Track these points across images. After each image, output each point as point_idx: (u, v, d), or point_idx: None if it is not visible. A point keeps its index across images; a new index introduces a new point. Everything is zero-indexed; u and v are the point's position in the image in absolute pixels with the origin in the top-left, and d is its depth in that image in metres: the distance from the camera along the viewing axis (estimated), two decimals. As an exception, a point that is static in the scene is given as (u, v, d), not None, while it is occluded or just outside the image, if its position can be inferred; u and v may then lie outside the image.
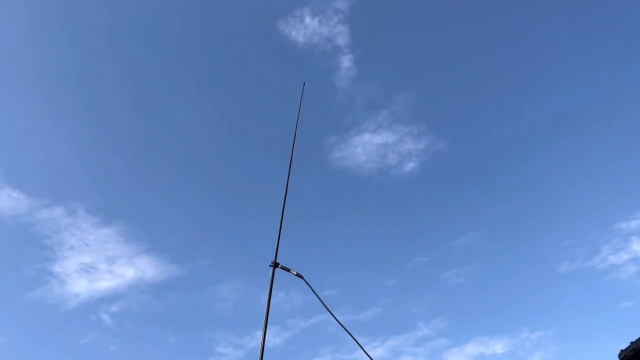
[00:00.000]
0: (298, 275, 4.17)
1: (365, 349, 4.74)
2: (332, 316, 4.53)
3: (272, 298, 3.97)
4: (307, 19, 35.89)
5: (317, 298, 4.41)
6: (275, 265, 4.05)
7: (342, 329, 4.71)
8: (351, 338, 4.72)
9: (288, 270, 4.13)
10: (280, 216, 4.36)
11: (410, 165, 44.46)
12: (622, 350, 8.34)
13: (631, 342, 8.14)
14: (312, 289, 4.15)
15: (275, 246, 4.18)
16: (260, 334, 3.83)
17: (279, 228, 4.26)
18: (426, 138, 44.03)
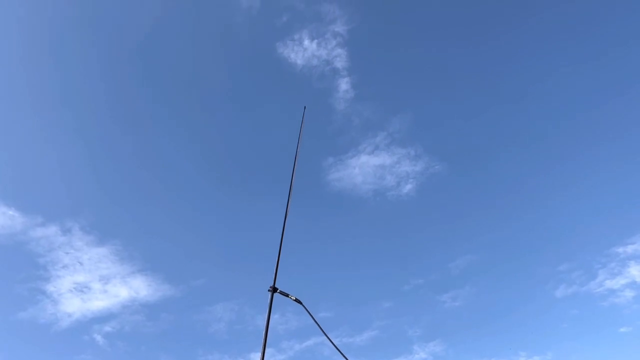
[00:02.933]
0: (297, 300, 4.18)
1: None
2: (329, 340, 4.53)
3: (265, 320, 3.97)
4: (306, 42, 36.39)
5: (316, 323, 4.42)
6: (274, 290, 4.06)
7: (338, 352, 4.71)
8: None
9: (287, 295, 4.14)
10: (280, 241, 4.39)
11: (407, 187, 44.64)
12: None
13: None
14: (310, 315, 4.17)
15: (274, 270, 4.20)
16: (255, 356, 3.83)
17: (278, 253, 4.28)
18: (423, 160, 44.35)
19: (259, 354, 3.88)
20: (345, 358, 4.78)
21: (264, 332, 3.79)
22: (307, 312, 4.22)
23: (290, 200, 4.96)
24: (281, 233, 4.44)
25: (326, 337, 4.51)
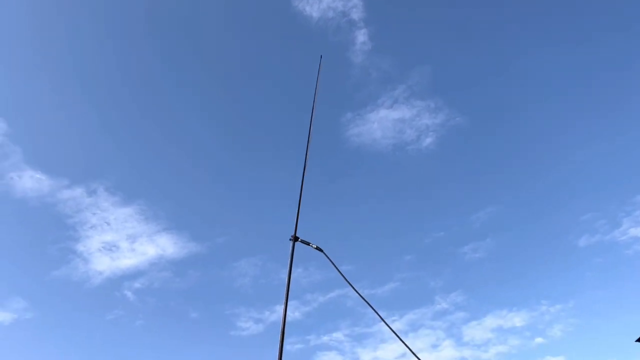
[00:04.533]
0: (318, 248, 4.22)
1: (385, 320, 4.80)
2: (352, 288, 4.59)
3: (290, 273, 4.02)
4: (321, -7, 35.39)
5: (337, 271, 4.46)
6: (295, 239, 4.10)
7: (361, 302, 4.77)
8: (370, 311, 4.78)
9: (308, 243, 4.18)
10: (300, 190, 4.38)
11: (427, 141, 44.10)
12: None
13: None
14: (332, 262, 4.20)
15: (295, 220, 4.22)
16: (279, 309, 3.90)
17: (298, 202, 4.29)
18: (443, 112, 43.55)
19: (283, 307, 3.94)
20: (370, 305, 4.85)
21: (286, 279, 3.85)
22: (329, 261, 4.28)
23: (308, 150, 4.93)
24: (300, 183, 4.44)
25: (350, 286, 4.58)
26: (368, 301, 4.72)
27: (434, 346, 67.90)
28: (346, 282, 4.68)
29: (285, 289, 3.74)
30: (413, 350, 4.95)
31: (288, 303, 3.82)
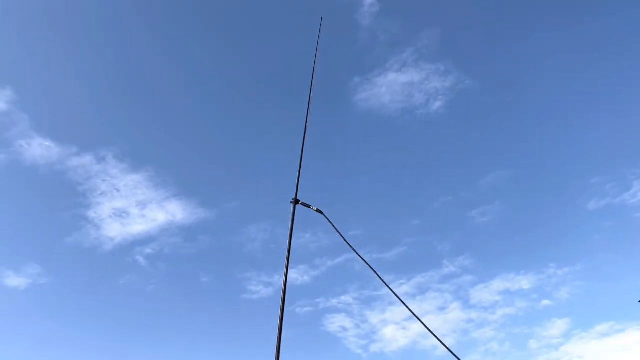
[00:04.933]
0: (318, 211, 4.26)
1: (389, 285, 4.87)
2: (352, 249, 4.64)
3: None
4: (326, -48, 34.59)
5: (338, 233, 4.52)
6: (296, 202, 4.13)
7: (368, 267, 4.83)
8: (377, 276, 4.84)
9: (309, 206, 4.22)
10: (300, 154, 4.40)
11: (436, 104, 43.66)
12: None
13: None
14: (332, 225, 4.25)
15: (296, 183, 4.24)
16: (291, 273, 3.94)
17: (299, 166, 4.30)
18: (453, 75, 42.96)
19: (293, 271, 4.00)
20: (373, 270, 4.91)
21: (287, 242, 3.90)
22: (331, 225, 4.31)
23: (309, 114, 4.91)
24: (301, 147, 4.44)
25: (349, 246, 4.63)
26: (370, 265, 4.78)
27: (441, 309, 68.78)
28: (349, 251, 4.73)
29: (287, 251, 3.79)
30: (416, 314, 5.02)
31: (296, 267, 3.89)
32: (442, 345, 5.06)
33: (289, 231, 3.89)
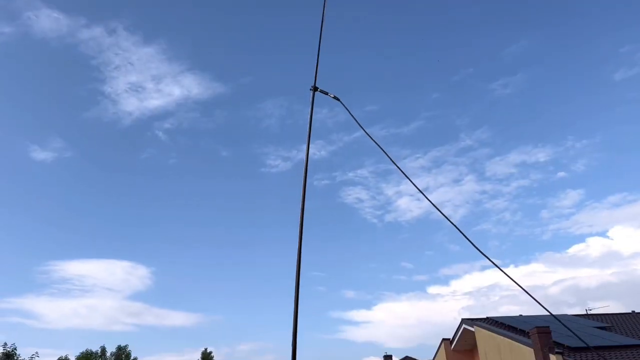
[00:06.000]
0: (335, 98, 4.39)
1: (401, 169, 5.14)
2: (368, 136, 4.85)
3: (316, 114, 4.23)
4: None
5: (354, 119, 4.69)
6: (315, 89, 4.26)
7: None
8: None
9: (326, 93, 4.35)
10: (318, 42, 4.43)
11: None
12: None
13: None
14: (348, 111, 4.41)
15: (315, 71, 4.33)
16: (311, 140, 4.19)
17: (317, 53, 4.36)
18: None
19: (310, 146, 4.24)
20: (383, 151, 5.16)
21: (307, 128, 4.11)
22: (347, 111, 4.45)
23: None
24: (319, 33, 4.45)
25: (365, 132, 4.82)
26: (383, 148, 5.02)
27: (456, 181, 70.22)
28: (365, 126, 4.92)
29: (307, 138, 4.00)
30: (424, 192, 5.36)
31: (313, 142, 4.11)
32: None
33: (308, 117, 4.07)
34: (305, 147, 4.11)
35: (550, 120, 62.27)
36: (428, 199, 5.20)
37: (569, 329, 6.99)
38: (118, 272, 63.94)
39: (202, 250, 68.45)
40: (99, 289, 65.50)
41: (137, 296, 66.59)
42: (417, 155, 65.57)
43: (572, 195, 64.93)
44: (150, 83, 61.36)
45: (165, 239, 66.43)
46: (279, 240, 69.32)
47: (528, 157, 62.23)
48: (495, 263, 5.36)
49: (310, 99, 4.15)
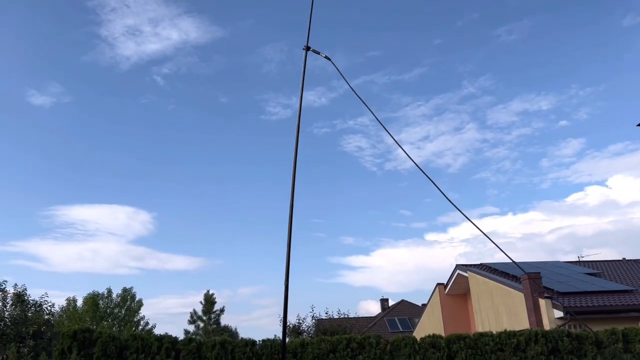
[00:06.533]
0: (326, 57, 4.50)
1: (394, 138, 5.30)
2: (364, 104, 4.99)
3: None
4: None
5: (345, 81, 4.83)
6: (307, 48, 4.37)
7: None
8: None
9: (318, 53, 4.46)
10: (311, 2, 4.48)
11: None
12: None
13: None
14: (339, 71, 4.54)
15: (307, 30, 4.41)
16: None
17: (309, 15, 4.41)
18: None
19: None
20: (369, 110, 5.31)
21: (300, 85, 4.26)
22: (338, 72, 4.59)
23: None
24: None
25: (358, 97, 4.96)
26: (376, 116, 5.16)
27: (457, 129, 70.05)
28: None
29: (299, 99, 4.15)
30: (410, 156, 5.56)
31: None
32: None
33: (301, 78, 4.20)
34: (304, 93, 4.29)
35: (554, 68, 61.44)
36: (401, 147, 5.40)
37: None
38: (121, 217, 65.02)
39: (204, 197, 69.26)
40: (102, 234, 66.81)
41: (140, 241, 68.03)
42: (419, 103, 65.13)
43: (573, 144, 65.02)
44: (147, 26, 60.22)
45: (167, 185, 67.14)
46: (277, 181, 70.00)
47: (530, 106, 61.88)
48: (463, 212, 5.61)
49: (303, 59, 4.28)
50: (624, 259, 27.50)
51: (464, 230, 75.04)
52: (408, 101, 63.09)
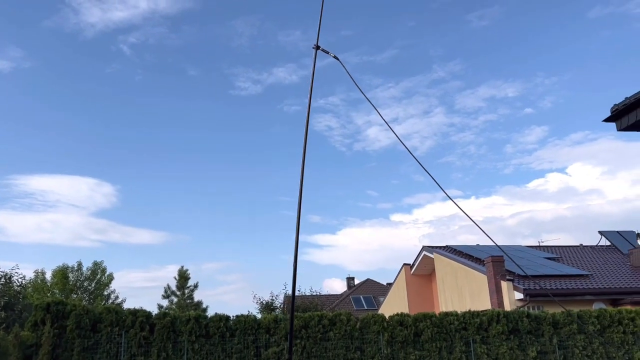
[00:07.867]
0: (335, 57, 4.77)
1: (399, 137, 5.59)
2: (373, 108, 5.29)
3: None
4: None
5: (353, 82, 5.09)
6: (317, 47, 4.61)
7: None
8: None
9: (327, 52, 4.72)
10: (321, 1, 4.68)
11: None
12: (615, 105, 8.92)
13: (626, 98, 8.71)
14: (347, 72, 4.81)
15: (317, 31, 4.63)
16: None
17: (319, 14, 4.62)
18: None
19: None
20: (371, 104, 5.60)
21: (309, 84, 4.50)
22: (346, 71, 4.85)
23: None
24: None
25: (368, 101, 5.23)
26: (385, 119, 5.44)
27: (426, 112, 70.89)
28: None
29: (309, 94, 4.39)
30: (401, 139, 5.90)
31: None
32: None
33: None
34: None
35: (522, 56, 62.67)
36: (403, 143, 5.75)
37: (514, 262, 7.89)
38: (82, 189, 63.62)
39: (170, 170, 68.40)
40: (63, 205, 65.35)
41: (102, 213, 66.82)
42: (389, 85, 65.50)
43: (537, 132, 66.75)
44: (115, -7, 58.33)
45: (131, 157, 65.86)
46: (244, 154, 69.69)
47: (497, 92, 63.09)
48: (452, 198, 6.03)
49: (313, 57, 4.51)
50: (581, 244, 28.85)
51: (428, 212, 76.60)
52: (378, 83, 63.41)
